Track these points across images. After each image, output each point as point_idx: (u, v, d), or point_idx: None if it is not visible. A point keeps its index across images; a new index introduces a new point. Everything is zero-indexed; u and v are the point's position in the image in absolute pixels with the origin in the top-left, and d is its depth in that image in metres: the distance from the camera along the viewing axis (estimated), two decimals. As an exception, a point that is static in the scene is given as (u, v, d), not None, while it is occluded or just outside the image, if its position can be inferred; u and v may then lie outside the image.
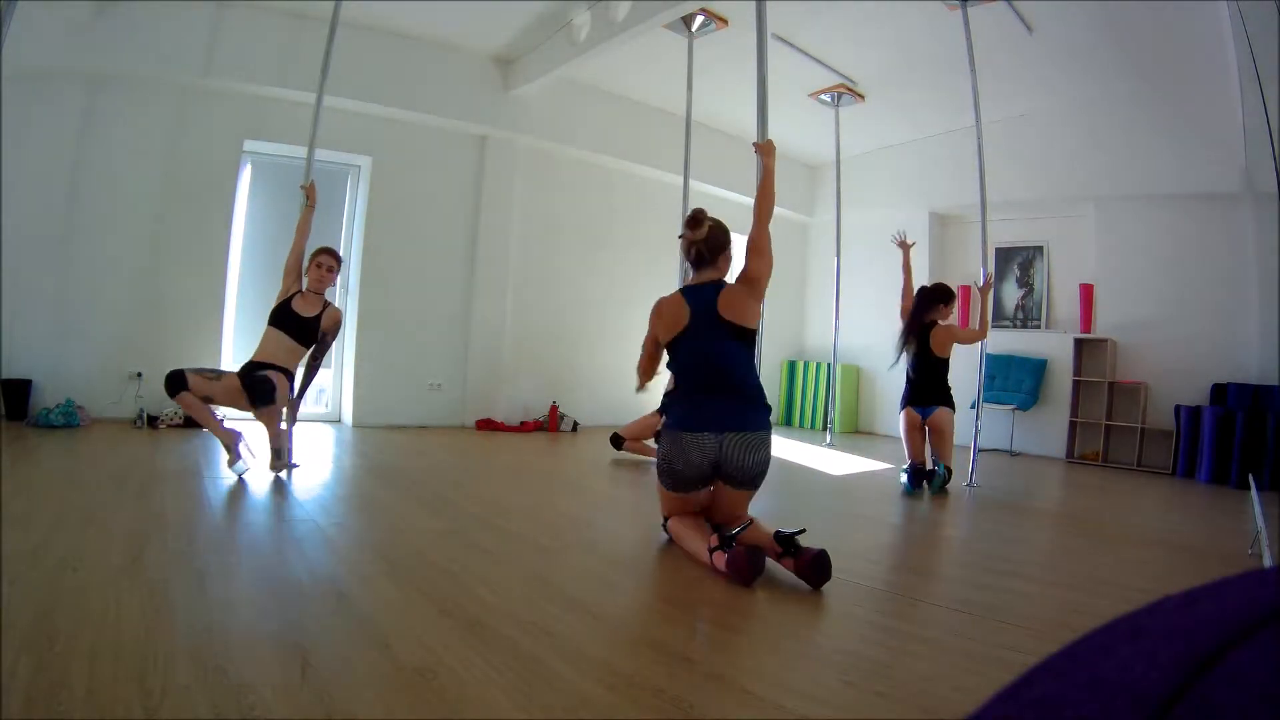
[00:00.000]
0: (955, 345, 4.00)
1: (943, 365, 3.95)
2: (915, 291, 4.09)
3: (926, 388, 3.94)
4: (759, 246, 2.35)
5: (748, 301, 2.26)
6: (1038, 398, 6.16)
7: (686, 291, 2.34)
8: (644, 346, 2.43)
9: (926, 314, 3.98)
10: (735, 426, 2.17)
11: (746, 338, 2.27)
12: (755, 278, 2.31)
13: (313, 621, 1.52)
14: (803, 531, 2.05)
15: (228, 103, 4.94)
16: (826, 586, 2.00)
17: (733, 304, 2.25)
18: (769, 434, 2.23)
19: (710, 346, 2.26)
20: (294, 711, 1.11)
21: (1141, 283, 5.70)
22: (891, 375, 7.35)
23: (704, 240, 2.32)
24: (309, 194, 3.51)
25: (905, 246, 4.30)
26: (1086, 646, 0.27)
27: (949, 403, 3.93)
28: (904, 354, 4.05)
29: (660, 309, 2.36)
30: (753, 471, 2.19)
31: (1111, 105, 5.63)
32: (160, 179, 4.75)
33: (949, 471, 3.79)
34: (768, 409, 2.27)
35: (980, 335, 4.11)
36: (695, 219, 2.33)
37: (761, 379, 2.43)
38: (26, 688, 1.11)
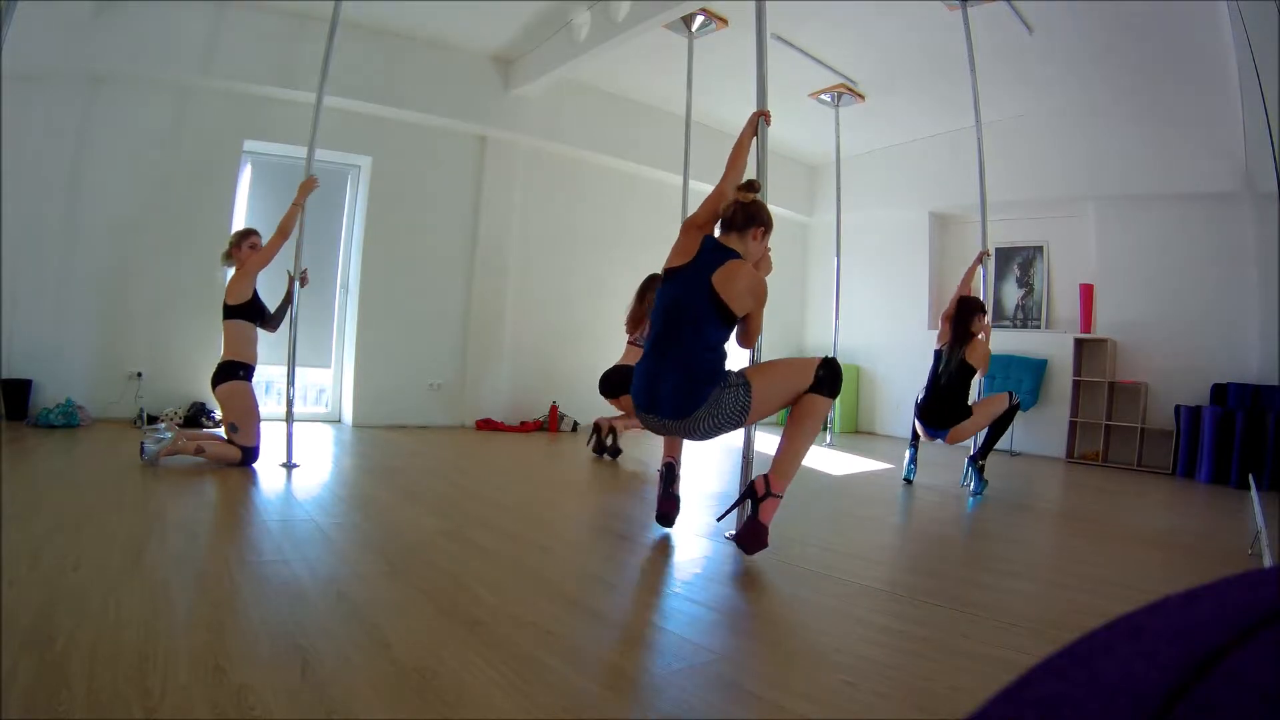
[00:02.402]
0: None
1: (970, 376, 3.84)
2: (957, 300, 3.96)
3: (944, 402, 3.80)
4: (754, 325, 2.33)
5: (741, 294, 2.18)
6: (1038, 398, 6.16)
7: (709, 239, 2.27)
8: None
9: (969, 324, 3.86)
10: (672, 414, 2.18)
11: (721, 313, 2.18)
12: (747, 318, 2.29)
13: (313, 621, 1.52)
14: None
15: (228, 103, 4.94)
16: (826, 586, 2.00)
17: (726, 282, 2.15)
18: (709, 407, 2.15)
19: (685, 296, 2.20)
20: (294, 711, 1.11)
21: (1141, 283, 5.70)
22: (892, 375, 7.42)
23: (744, 206, 2.27)
24: (303, 189, 3.50)
25: (981, 257, 4.21)
26: (1086, 646, 0.27)
27: (965, 415, 3.79)
28: (941, 353, 3.92)
29: (685, 230, 2.34)
30: (695, 437, 2.25)
31: (1112, 105, 5.63)
32: (160, 179, 4.75)
33: (981, 475, 3.74)
34: (710, 383, 2.16)
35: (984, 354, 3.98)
36: (751, 185, 2.35)
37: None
38: (26, 688, 1.11)
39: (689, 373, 2.16)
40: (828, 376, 2.19)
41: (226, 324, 3.42)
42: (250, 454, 3.36)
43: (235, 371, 3.38)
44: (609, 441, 4.45)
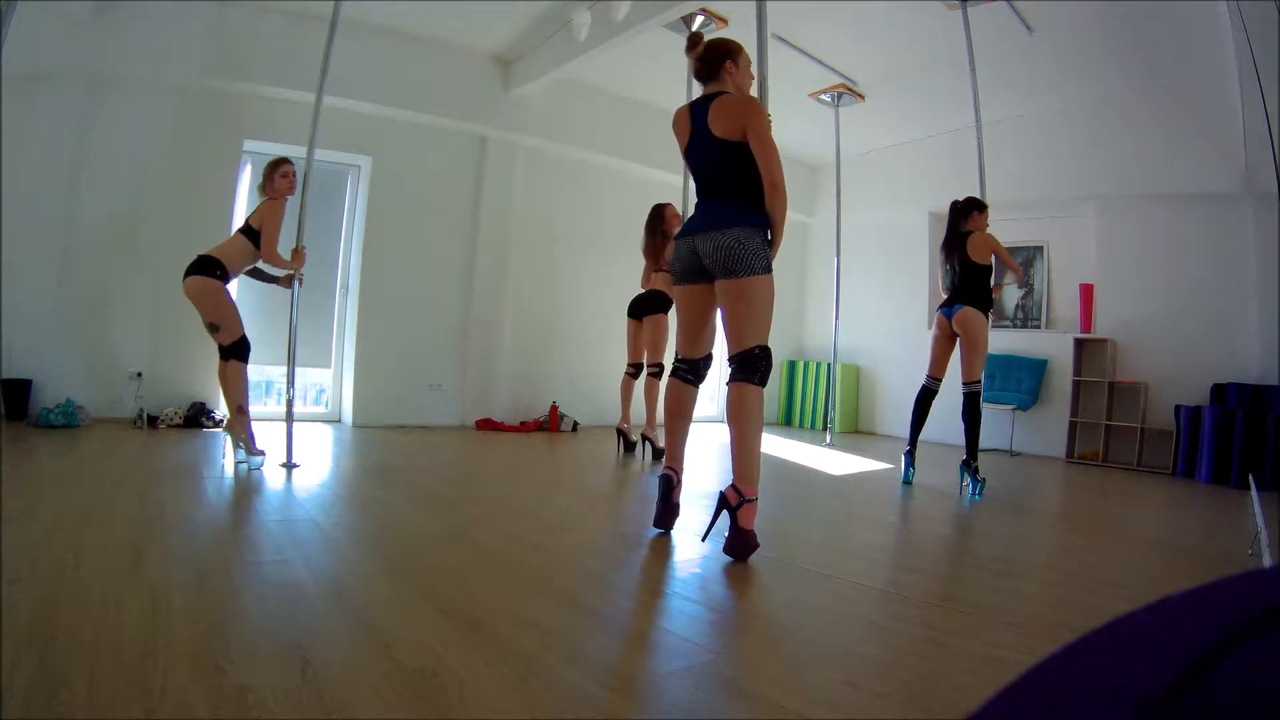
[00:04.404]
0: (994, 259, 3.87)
1: (982, 272, 3.84)
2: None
3: (958, 290, 3.85)
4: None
5: (727, 114, 2.34)
6: (1038, 398, 6.16)
7: (693, 105, 2.48)
8: None
9: (962, 225, 3.94)
10: (702, 228, 2.35)
11: (731, 149, 2.34)
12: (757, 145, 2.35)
13: (313, 621, 1.52)
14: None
15: (228, 103, 4.94)
16: (826, 586, 2.01)
17: (719, 117, 2.35)
18: (737, 228, 2.29)
19: (701, 155, 2.42)
20: (294, 711, 1.11)
21: (1141, 283, 5.70)
22: (892, 375, 7.42)
23: (699, 58, 2.47)
24: (296, 258, 3.52)
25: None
26: (1086, 646, 0.27)
27: (979, 304, 3.79)
28: (947, 273, 3.97)
29: (675, 122, 2.55)
30: (719, 255, 2.28)
31: (1112, 105, 5.63)
32: (160, 179, 4.75)
33: (976, 476, 3.72)
34: (743, 208, 2.33)
35: (1013, 266, 3.97)
36: (691, 41, 2.52)
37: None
38: (26, 687, 1.11)
39: (732, 201, 2.34)
40: (765, 359, 2.30)
41: (237, 235, 3.36)
42: (241, 347, 3.31)
43: (213, 270, 3.18)
44: (635, 441, 4.66)
